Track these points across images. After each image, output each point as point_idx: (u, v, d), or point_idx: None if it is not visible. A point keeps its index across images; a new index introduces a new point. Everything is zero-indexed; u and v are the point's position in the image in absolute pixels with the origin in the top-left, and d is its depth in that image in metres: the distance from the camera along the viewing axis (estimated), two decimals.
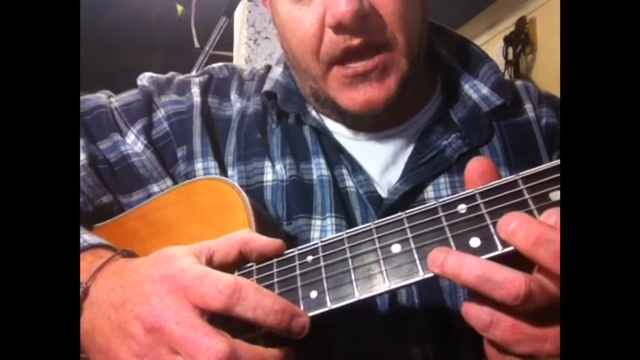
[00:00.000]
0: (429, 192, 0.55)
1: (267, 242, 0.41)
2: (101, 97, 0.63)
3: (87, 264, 0.42)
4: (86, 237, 0.45)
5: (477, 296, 0.33)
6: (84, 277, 0.40)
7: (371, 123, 0.57)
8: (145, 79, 0.64)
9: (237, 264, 0.42)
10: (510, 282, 0.31)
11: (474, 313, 0.34)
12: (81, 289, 0.39)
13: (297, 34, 0.53)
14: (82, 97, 0.61)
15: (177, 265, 0.37)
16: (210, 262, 0.40)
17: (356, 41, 0.50)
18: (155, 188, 0.58)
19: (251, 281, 0.37)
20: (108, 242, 0.46)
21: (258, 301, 0.35)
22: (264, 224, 0.47)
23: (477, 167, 0.37)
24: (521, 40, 2.03)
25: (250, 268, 0.42)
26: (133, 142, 0.59)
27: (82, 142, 0.57)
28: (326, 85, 0.54)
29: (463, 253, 0.33)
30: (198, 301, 0.35)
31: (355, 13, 0.48)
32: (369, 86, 0.52)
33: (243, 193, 0.47)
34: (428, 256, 0.34)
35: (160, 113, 0.61)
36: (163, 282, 0.36)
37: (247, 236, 0.42)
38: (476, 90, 0.60)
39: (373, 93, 0.52)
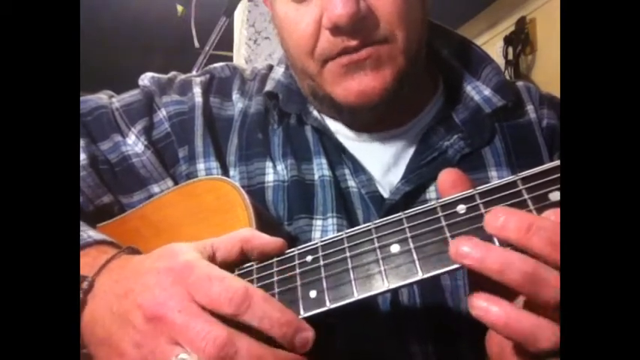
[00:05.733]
0: (431, 192, 0.55)
1: (268, 241, 0.42)
2: (102, 97, 0.63)
3: (91, 259, 0.42)
4: (91, 233, 0.45)
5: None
6: (89, 271, 0.40)
7: (369, 120, 0.57)
8: (146, 79, 0.64)
9: (238, 261, 0.42)
10: (556, 280, 0.30)
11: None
12: (86, 283, 0.39)
13: (294, 35, 0.53)
14: (82, 98, 0.61)
15: (183, 258, 0.37)
16: (212, 259, 0.40)
17: (353, 42, 0.50)
18: (156, 189, 0.59)
19: (262, 290, 0.37)
20: (112, 239, 0.46)
21: (265, 311, 0.35)
22: (265, 224, 0.47)
23: (447, 178, 0.37)
24: (521, 40, 2.03)
25: (250, 268, 0.42)
26: (133, 143, 0.59)
27: (82, 142, 0.57)
28: (322, 80, 0.54)
29: (504, 248, 0.32)
30: (206, 303, 0.35)
31: (351, 16, 0.48)
32: (364, 75, 0.51)
33: (244, 193, 0.48)
34: (457, 248, 0.32)
35: (162, 114, 0.61)
36: (168, 274, 0.36)
37: (249, 234, 0.42)
38: (478, 91, 0.60)
39: (368, 83, 0.51)
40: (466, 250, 0.32)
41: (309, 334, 0.36)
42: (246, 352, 0.33)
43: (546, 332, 0.30)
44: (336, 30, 0.50)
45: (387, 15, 0.50)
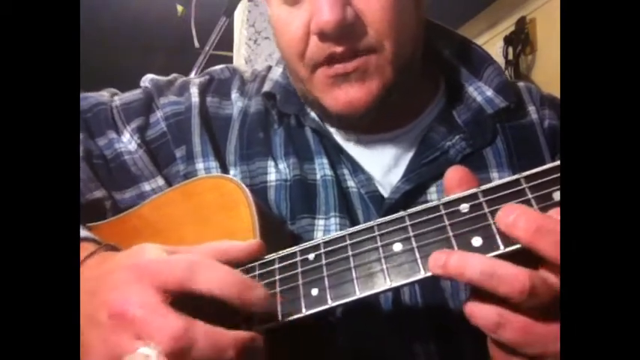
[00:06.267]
0: (432, 193, 0.55)
1: (242, 248, 0.42)
2: (104, 95, 0.64)
3: None
4: None
5: (481, 296, 0.33)
6: None
7: (358, 125, 0.57)
8: (147, 80, 0.65)
9: None
10: (514, 276, 0.31)
11: (481, 314, 0.34)
12: None
13: (285, 37, 0.54)
14: (84, 95, 0.62)
15: (147, 255, 0.38)
16: None
17: (339, 49, 0.50)
18: (146, 186, 0.59)
19: (208, 259, 0.37)
20: (94, 236, 0.46)
21: (211, 275, 0.35)
22: (268, 222, 0.47)
23: (454, 175, 0.38)
24: (521, 40, 2.03)
25: (252, 265, 0.42)
26: (127, 141, 0.59)
27: (80, 137, 0.58)
28: (312, 86, 0.54)
29: (465, 251, 0.34)
30: (157, 282, 0.35)
31: (337, 22, 0.48)
32: (350, 87, 0.52)
33: (247, 191, 0.47)
34: (429, 259, 0.34)
35: (159, 114, 0.61)
36: (132, 271, 0.37)
37: (225, 247, 0.42)
38: (480, 92, 0.60)
39: (355, 94, 0.52)
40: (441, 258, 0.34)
41: (261, 290, 0.37)
42: (204, 338, 0.34)
43: (508, 324, 0.32)
44: (322, 36, 0.50)
45: (376, 23, 0.50)
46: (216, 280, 0.35)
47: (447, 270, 0.33)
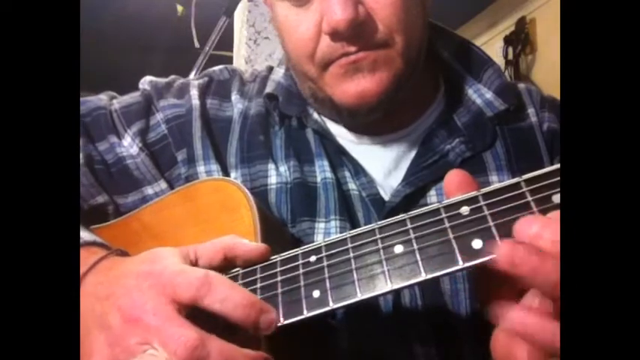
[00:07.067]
0: (432, 196, 0.55)
1: (251, 248, 0.42)
2: (102, 98, 0.63)
3: (81, 259, 0.42)
4: (82, 234, 0.46)
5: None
6: None
7: (368, 122, 0.57)
8: (145, 82, 0.65)
9: (222, 269, 0.42)
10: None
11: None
12: None
13: (293, 39, 0.54)
14: (82, 99, 0.62)
15: (162, 264, 0.38)
16: (195, 266, 0.41)
17: (353, 48, 0.50)
18: (149, 190, 0.59)
19: (223, 276, 0.38)
20: (102, 240, 0.46)
21: (226, 294, 0.36)
22: (269, 225, 0.47)
23: (453, 179, 0.37)
24: (521, 40, 2.03)
25: (254, 268, 0.42)
26: (129, 145, 0.59)
27: (80, 142, 0.57)
28: (323, 83, 0.54)
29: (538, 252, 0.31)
30: (172, 294, 0.36)
31: (350, 21, 0.48)
32: (362, 78, 0.51)
33: (249, 194, 0.48)
34: (499, 247, 0.31)
35: (159, 116, 0.61)
36: (146, 278, 0.37)
37: (232, 242, 0.42)
38: (480, 94, 0.60)
39: (366, 85, 0.51)
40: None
41: (272, 315, 0.37)
42: (218, 353, 0.34)
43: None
44: (335, 35, 0.50)
45: (387, 19, 0.50)
46: (231, 299, 0.36)
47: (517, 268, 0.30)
